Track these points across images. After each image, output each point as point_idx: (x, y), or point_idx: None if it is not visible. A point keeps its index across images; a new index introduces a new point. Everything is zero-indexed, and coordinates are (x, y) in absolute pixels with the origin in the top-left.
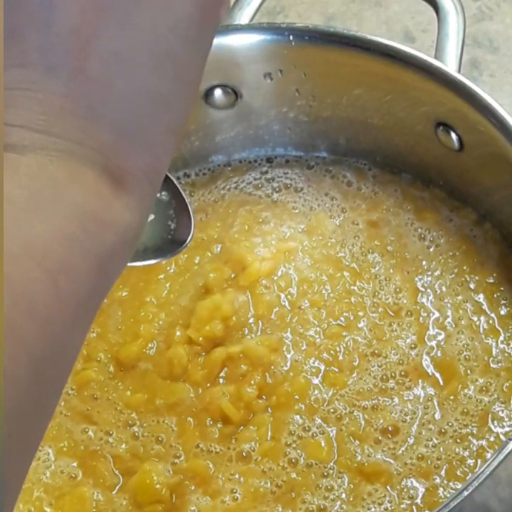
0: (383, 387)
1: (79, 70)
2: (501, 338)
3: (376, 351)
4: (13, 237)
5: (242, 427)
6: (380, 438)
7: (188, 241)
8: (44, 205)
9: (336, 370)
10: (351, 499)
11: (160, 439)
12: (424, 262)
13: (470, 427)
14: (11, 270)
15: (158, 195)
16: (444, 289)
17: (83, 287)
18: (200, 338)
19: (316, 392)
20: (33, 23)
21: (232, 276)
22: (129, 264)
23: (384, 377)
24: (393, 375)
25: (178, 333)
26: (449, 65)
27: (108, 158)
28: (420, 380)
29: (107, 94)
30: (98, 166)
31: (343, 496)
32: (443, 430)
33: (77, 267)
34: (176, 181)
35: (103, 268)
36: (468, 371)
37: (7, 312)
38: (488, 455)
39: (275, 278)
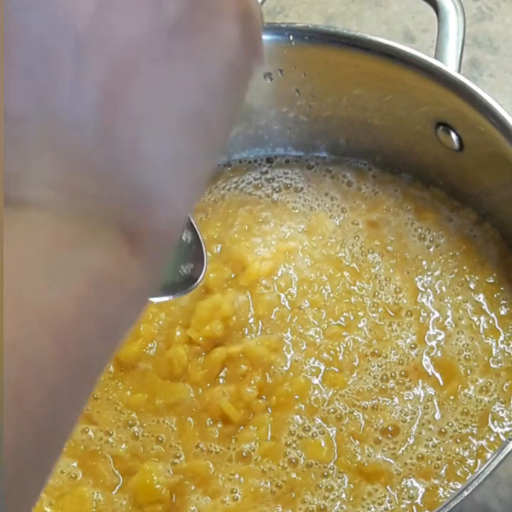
0: (383, 387)
1: (105, 129)
2: (501, 338)
3: (376, 351)
4: (27, 301)
5: (242, 427)
6: (380, 438)
7: (199, 280)
8: (60, 269)
9: (336, 370)
10: (351, 499)
11: (160, 439)
12: (424, 262)
13: (470, 427)
14: (21, 336)
15: None
16: (444, 289)
17: (92, 351)
18: (200, 338)
19: (316, 392)
20: (65, 78)
21: (232, 276)
22: None
23: (384, 377)
24: (393, 375)
25: (178, 333)
26: (449, 65)
27: (127, 217)
28: (420, 380)
29: (133, 155)
30: (116, 224)
31: (343, 495)
32: (443, 430)
33: (87, 330)
34: (193, 221)
35: (113, 327)
36: (468, 371)
37: (14, 379)
38: (488, 455)
39: (275, 278)
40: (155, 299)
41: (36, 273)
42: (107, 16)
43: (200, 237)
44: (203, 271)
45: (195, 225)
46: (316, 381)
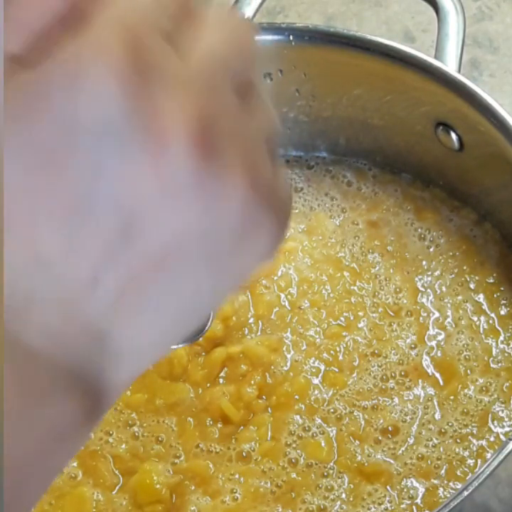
0: (383, 387)
1: (117, 297)
2: (501, 338)
3: (376, 351)
4: None
5: (242, 427)
6: (380, 438)
7: (207, 328)
8: (27, 417)
9: (336, 370)
10: (351, 499)
11: (160, 439)
12: (424, 262)
13: (470, 427)
14: None
15: None
16: (444, 289)
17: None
18: (200, 338)
19: (316, 392)
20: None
21: None
22: None
23: (384, 377)
24: (393, 375)
25: None
26: (449, 65)
27: (102, 374)
28: (420, 380)
29: (131, 325)
30: (89, 379)
31: (343, 496)
32: (443, 430)
33: (26, 481)
34: None
35: (48, 473)
36: (468, 371)
37: None
38: (488, 455)
39: (275, 278)
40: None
41: (6, 414)
42: (158, 210)
43: None
44: (211, 320)
45: None
46: (316, 381)
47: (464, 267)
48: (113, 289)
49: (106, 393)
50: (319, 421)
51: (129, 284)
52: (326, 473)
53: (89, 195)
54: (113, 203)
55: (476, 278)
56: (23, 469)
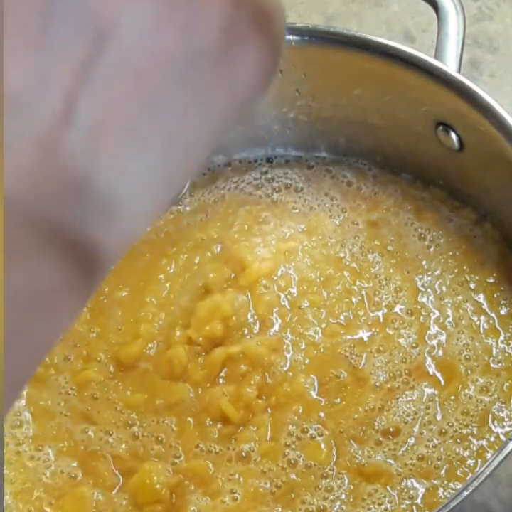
0: (386, 386)
1: (95, 134)
2: (501, 338)
3: (377, 351)
4: None
5: (241, 427)
6: (380, 439)
7: (182, 193)
8: (9, 274)
9: (336, 369)
10: (351, 500)
11: (160, 439)
12: (424, 262)
13: (470, 427)
14: None
15: None
16: (444, 288)
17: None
18: (200, 338)
19: (316, 392)
20: (71, 67)
21: (232, 276)
22: None
23: (385, 376)
24: (393, 375)
25: (178, 333)
26: (449, 65)
27: (89, 228)
28: (422, 380)
29: (113, 167)
30: (75, 235)
31: (343, 496)
32: (443, 430)
33: (14, 345)
34: None
35: (39, 343)
36: (469, 371)
37: None
38: (488, 455)
39: (275, 278)
40: None
41: None
42: (135, 22)
43: None
44: (187, 185)
45: None
46: (315, 381)
47: (464, 267)
48: (90, 119)
49: (96, 255)
50: (319, 422)
51: (106, 114)
52: (325, 474)
53: (54, 9)
54: (87, 12)
55: (476, 278)
56: (9, 340)
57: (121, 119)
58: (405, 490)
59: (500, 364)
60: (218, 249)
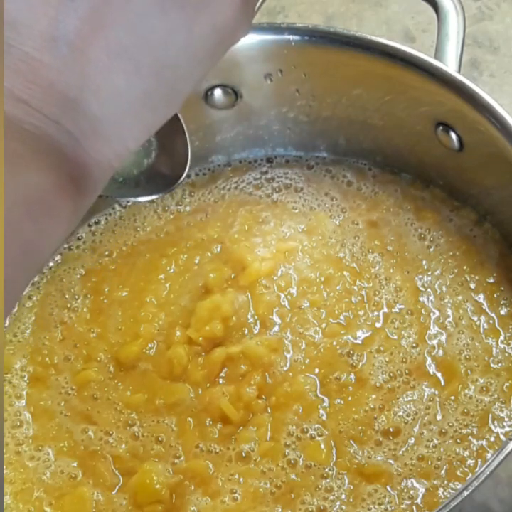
0: (385, 387)
1: (81, 51)
2: (501, 338)
3: (377, 351)
4: None
5: (241, 427)
6: (380, 439)
7: (183, 177)
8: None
9: (336, 369)
10: (351, 500)
11: (160, 439)
12: (424, 262)
13: (470, 427)
14: None
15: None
16: (444, 288)
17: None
18: (200, 338)
19: (316, 392)
20: None
21: (232, 276)
22: (123, 198)
23: (385, 377)
24: (393, 375)
25: (178, 333)
26: (449, 65)
27: (79, 144)
28: (422, 380)
29: (101, 83)
30: (66, 150)
31: (343, 496)
32: (443, 430)
33: (12, 251)
34: (182, 121)
35: (37, 251)
36: (469, 371)
37: None
38: (488, 455)
39: (275, 278)
40: (141, 199)
41: None
42: None
43: (185, 134)
44: (187, 168)
45: (180, 118)
46: (315, 381)
47: (464, 267)
48: (76, 37)
49: (86, 170)
50: (319, 422)
51: (92, 32)
52: (325, 474)
53: None
54: None
55: (476, 278)
56: (8, 239)
57: (107, 38)
58: (405, 490)
59: (500, 364)
60: (218, 249)
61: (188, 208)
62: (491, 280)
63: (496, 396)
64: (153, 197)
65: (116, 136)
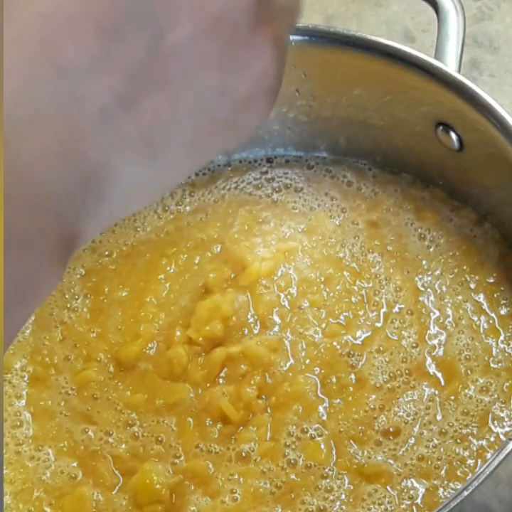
0: (385, 387)
1: (116, 124)
2: (501, 338)
3: (377, 351)
4: None
5: (241, 427)
6: (381, 439)
7: None
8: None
9: (336, 369)
10: (351, 500)
11: (160, 439)
12: (424, 262)
13: (470, 427)
14: None
15: None
16: (444, 288)
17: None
18: (200, 338)
19: (316, 392)
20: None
21: (232, 276)
22: None
23: (385, 377)
24: (393, 375)
25: (178, 333)
26: (449, 65)
27: (77, 221)
28: (422, 380)
29: (120, 163)
30: (65, 219)
31: (343, 496)
32: (443, 430)
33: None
34: None
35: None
36: (469, 371)
37: None
38: (488, 455)
39: (275, 278)
40: None
41: None
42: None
43: None
44: None
45: None
46: (315, 381)
47: (464, 267)
48: (122, 125)
49: (74, 243)
50: (319, 422)
51: (139, 121)
52: (325, 474)
53: (128, 10)
54: (150, 16)
55: (476, 278)
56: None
57: (149, 130)
58: (405, 490)
59: (500, 364)
60: (218, 249)
61: (188, 208)
62: (491, 280)
63: (495, 396)
64: None
65: (114, 211)
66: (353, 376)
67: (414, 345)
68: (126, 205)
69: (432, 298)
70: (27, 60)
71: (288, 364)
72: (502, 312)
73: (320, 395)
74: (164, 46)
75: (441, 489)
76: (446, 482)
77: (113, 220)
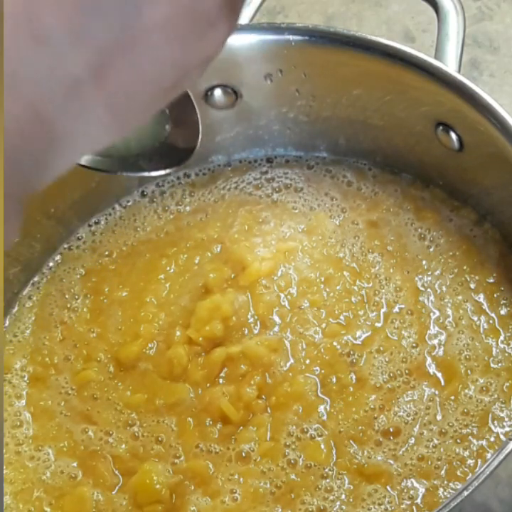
0: (386, 386)
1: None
2: (501, 338)
3: (377, 351)
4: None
5: (241, 427)
6: (381, 439)
7: (197, 147)
8: None
9: (337, 369)
10: (351, 500)
11: (160, 439)
12: (424, 262)
13: (470, 427)
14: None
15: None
16: (444, 288)
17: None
18: (200, 338)
19: (316, 392)
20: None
21: (232, 276)
22: (137, 174)
23: (385, 377)
24: (393, 375)
25: (178, 333)
26: (449, 65)
27: (36, 173)
28: (422, 380)
29: (77, 119)
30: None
31: (343, 496)
32: (443, 430)
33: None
34: (192, 97)
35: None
36: (469, 371)
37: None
38: (488, 455)
39: (275, 278)
40: (155, 173)
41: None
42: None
43: (194, 105)
44: (198, 140)
45: (190, 93)
46: (315, 381)
47: (464, 267)
48: (91, 96)
49: (28, 193)
50: (319, 422)
51: (105, 93)
52: (325, 474)
53: None
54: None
55: (476, 278)
56: None
57: (112, 71)
58: (405, 490)
59: (500, 364)
60: (218, 249)
61: (188, 208)
62: (491, 280)
63: (496, 396)
64: (168, 171)
65: (68, 158)
66: (353, 376)
67: (414, 345)
68: (79, 155)
69: (432, 298)
70: (9, 31)
71: (288, 364)
72: (502, 312)
73: (320, 395)
74: (140, 24)
75: (441, 489)
76: (446, 482)
77: (71, 163)
